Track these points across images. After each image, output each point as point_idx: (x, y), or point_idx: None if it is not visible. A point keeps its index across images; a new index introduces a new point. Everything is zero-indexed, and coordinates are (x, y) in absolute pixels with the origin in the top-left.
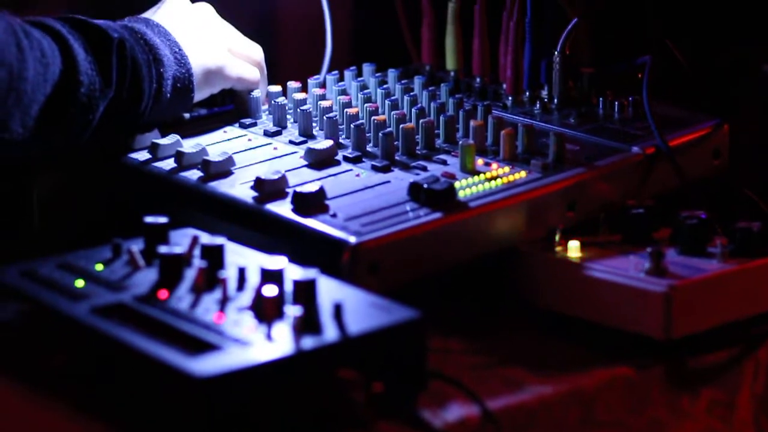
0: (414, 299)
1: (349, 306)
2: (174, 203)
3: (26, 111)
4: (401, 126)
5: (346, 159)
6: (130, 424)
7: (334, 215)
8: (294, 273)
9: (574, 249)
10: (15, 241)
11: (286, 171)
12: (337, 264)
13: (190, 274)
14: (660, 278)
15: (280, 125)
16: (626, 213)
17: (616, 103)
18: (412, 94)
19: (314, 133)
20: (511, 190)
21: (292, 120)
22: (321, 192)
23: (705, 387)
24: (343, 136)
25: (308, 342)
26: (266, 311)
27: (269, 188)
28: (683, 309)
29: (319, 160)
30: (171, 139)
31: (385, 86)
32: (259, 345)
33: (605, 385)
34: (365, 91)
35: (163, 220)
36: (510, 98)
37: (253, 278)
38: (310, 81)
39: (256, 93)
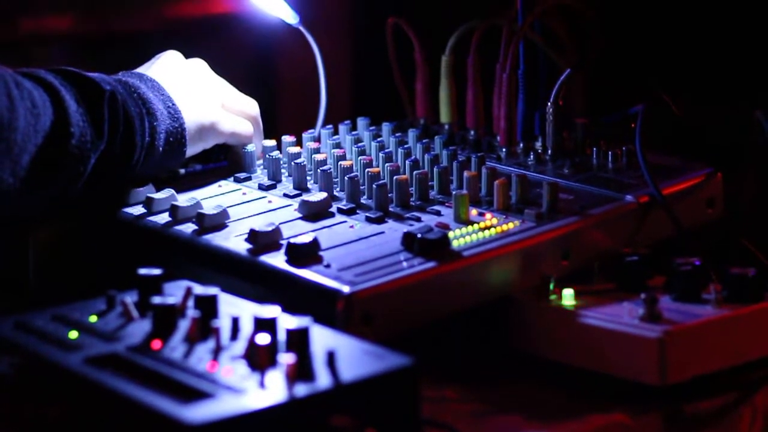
0: (408, 348)
1: (342, 353)
2: (169, 257)
3: (17, 161)
4: (395, 178)
5: (340, 211)
6: None
7: (327, 266)
8: (287, 322)
9: (568, 297)
10: (10, 294)
11: (280, 223)
12: (331, 314)
13: (183, 325)
14: (654, 324)
15: (275, 179)
16: (620, 261)
17: (610, 152)
18: (406, 146)
19: (309, 186)
20: (505, 239)
21: (286, 174)
22: (315, 243)
23: None
24: (338, 189)
25: (301, 389)
26: (259, 359)
27: (263, 240)
28: (678, 354)
29: (313, 213)
30: (166, 193)
31: (379, 139)
32: (252, 393)
33: None
34: (359, 144)
35: (156, 271)
36: (504, 150)
37: (247, 327)
38: (305, 135)
39: (250, 147)
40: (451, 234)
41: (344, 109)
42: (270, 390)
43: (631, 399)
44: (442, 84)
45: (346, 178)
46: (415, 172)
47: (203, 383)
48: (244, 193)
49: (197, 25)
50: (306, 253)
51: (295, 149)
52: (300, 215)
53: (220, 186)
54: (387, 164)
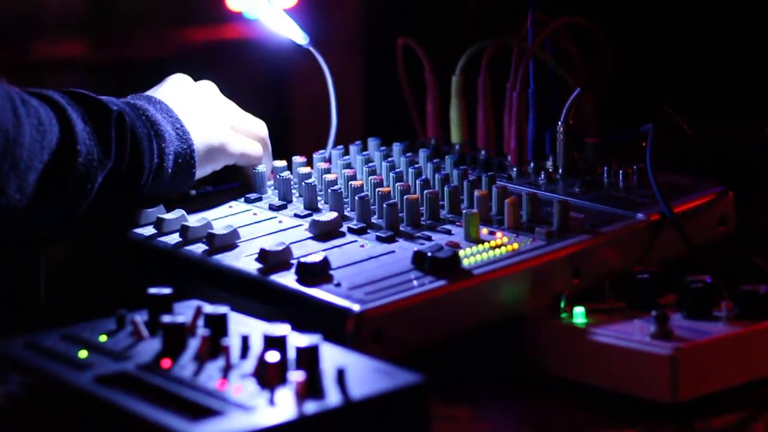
0: (420, 367)
1: (351, 371)
2: (179, 277)
3: (23, 177)
4: (405, 197)
5: (350, 230)
6: None
7: (338, 284)
8: (297, 340)
9: (579, 315)
10: (21, 314)
11: (290, 243)
12: (341, 332)
13: (193, 344)
14: (666, 341)
15: (285, 199)
16: (632, 279)
17: (621, 171)
18: (416, 166)
19: (319, 206)
20: (516, 258)
21: (297, 194)
22: (325, 262)
23: None
24: (348, 209)
25: (311, 407)
26: (269, 377)
27: (274, 259)
28: (689, 372)
29: (323, 232)
30: (176, 214)
31: (389, 159)
32: (262, 410)
33: None
34: (370, 164)
35: (167, 291)
36: (515, 169)
37: (257, 346)
38: (315, 155)
39: (261, 168)
40: (461, 252)
41: (356, 130)
42: (279, 407)
43: (643, 416)
44: (452, 104)
45: (356, 197)
46: (425, 192)
47: (213, 401)
48: (254, 214)
49: (210, 51)
50: (316, 273)
51: (306, 169)
52: (310, 235)
53: (230, 206)
54: (397, 184)
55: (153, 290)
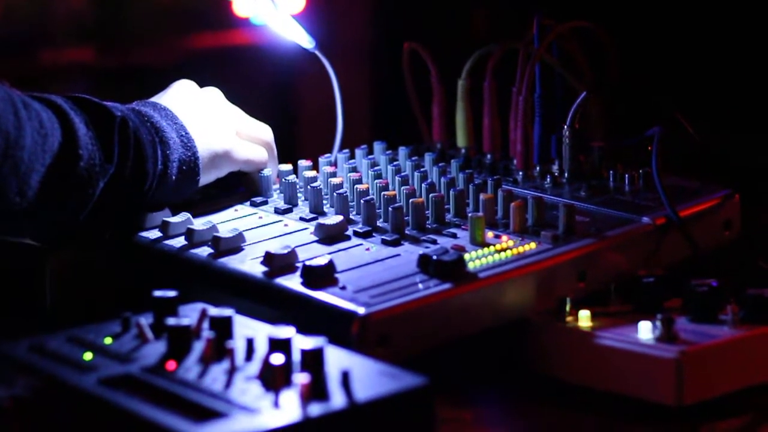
0: (425, 370)
1: (356, 373)
2: (185, 280)
3: (24, 180)
4: (411, 200)
5: (356, 234)
6: None
7: (343, 287)
8: (301, 342)
9: (584, 318)
10: (27, 317)
11: (296, 246)
12: (346, 336)
13: (198, 347)
14: (671, 344)
15: (291, 203)
16: (637, 282)
17: (627, 175)
18: (422, 169)
19: (325, 210)
20: (521, 261)
21: (302, 198)
22: (330, 265)
23: None
24: (354, 212)
25: (315, 409)
26: (274, 379)
27: (279, 262)
28: (695, 375)
29: (329, 236)
30: (182, 217)
31: (395, 163)
32: (267, 412)
33: None
34: (376, 168)
35: (172, 293)
36: (520, 173)
37: (261, 349)
38: (321, 159)
39: (266, 172)
40: (466, 256)
41: (362, 134)
42: (284, 409)
43: (648, 420)
44: (458, 108)
45: (362, 201)
46: (431, 195)
47: (217, 403)
48: (260, 217)
49: (217, 57)
50: (322, 276)
51: (312, 173)
52: (316, 238)
53: (236, 210)
54: (403, 187)
55: (158, 293)
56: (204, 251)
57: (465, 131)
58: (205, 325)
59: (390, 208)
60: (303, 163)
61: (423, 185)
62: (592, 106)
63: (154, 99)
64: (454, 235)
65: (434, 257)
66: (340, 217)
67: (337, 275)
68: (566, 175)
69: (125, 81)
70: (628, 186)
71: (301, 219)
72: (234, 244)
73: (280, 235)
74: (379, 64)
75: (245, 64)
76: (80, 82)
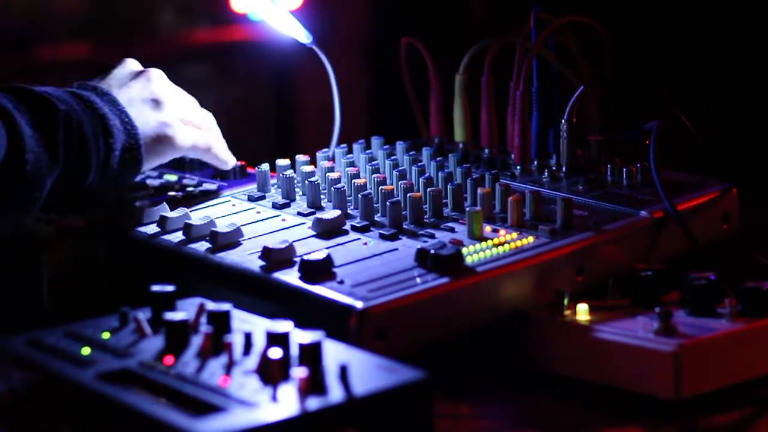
0: (423, 364)
1: (354, 367)
2: (183, 275)
3: None
4: (409, 195)
5: (354, 228)
6: None
7: (341, 282)
8: (299, 336)
9: (582, 312)
10: (24, 312)
11: (293, 241)
12: (344, 330)
13: (196, 341)
14: (669, 338)
15: (289, 198)
16: (635, 276)
17: (625, 169)
18: (420, 164)
19: (322, 204)
20: (519, 255)
21: (300, 192)
22: (328, 259)
23: None
24: (351, 207)
25: (313, 403)
26: (272, 373)
27: (277, 257)
28: (693, 368)
29: (327, 230)
30: (180, 212)
31: (393, 158)
32: (265, 406)
33: None
34: (373, 162)
35: (170, 288)
36: (518, 167)
37: (259, 343)
38: (319, 154)
39: (264, 167)
40: (464, 250)
41: (360, 129)
42: (282, 403)
43: (646, 413)
44: (456, 102)
45: (359, 195)
46: (428, 190)
47: (215, 397)
48: (258, 212)
49: (215, 52)
50: (319, 270)
51: (309, 168)
52: (314, 233)
53: (233, 205)
54: (401, 182)
55: (156, 288)
56: (202, 246)
57: (462, 126)
58: (203, 319)
59: (388, 203)
60: (301, 157)
61: (421, 180)
62: (589, 101)
63: (96, 81)
64: (451, 230)
65: (432, 251)
66: (338, 212)
67: (334, 270)
68: (564, 169)
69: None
70: (625, 180)
71: (299, 213)
72: (232, 239)
73: (278, 230)
74: (377, 59)
75: (243, 60)
76: (77, 77)
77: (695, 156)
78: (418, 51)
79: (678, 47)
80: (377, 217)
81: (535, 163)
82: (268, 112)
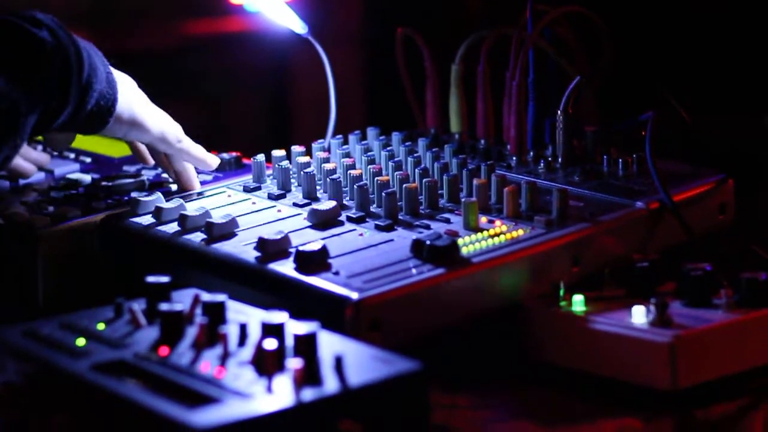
0: (418, 354)
1: (349, 358)
2: (178, 266)
3: None
4: (404, 186)
5: (349, 219)
6: None
7: (336, 273)
8: (295, 327)
9: (578, 303)
10: (19, 303)
11: (289, 232)
12: (340, 321)
13: (191, 332)
14: (665, 329)
15: (284, 188)
16: (631, 267)
17: (621, 160)
18: (415, 155)
19: (318, 195)
20: (515, 246)
21: (296, 183)
22: (323, 250)
23: None
24: (347, 198)
25: (309, 394)
26: (267, 364)
27: (272, 248)
28: (689, 359)
29: (322, 221)
30: (175, 203)
31: (388, 149)
32: (260, 397)
33: None
34: (369, 153)
35: (164, 279)
36: (514, 158)
37: (254, 334)
38: (314, 145)
39: (259, 157)
40: (460, 241)
41: (356, 120)
42: (277, 395)
43: (642, 404)
44: (452, 93)
45: (355, 186)
46: (424, 180)
47: (210, 388)
48: (253, 203)
49: (211, 43)
50: (315, 261)
51: (305, 159)
52: (309, 224)
53: (229, 196)
54: (396, 173)
55: (151, 278)
56: (197, 237)
57: (458, 116)
58: (198, 310)
59: (383, 194)
60: (296, 148)
61: (416, 170)
62: (585, 91)
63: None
64: (447, 220)
65: (428, 242)
66: (334, 203)
67: (330, 260)
68: (560, 159)
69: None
70: (621, 170)
71: (295, 204)
72: (227, 230)
73: (274, 221)
74: (373, 50)
75: (239, 51)
76: None
77: (691, 146)
78: (414, 41)
79: (674, 37)
80: (373, 208)
81: (531, 153)
82: (264, 103)
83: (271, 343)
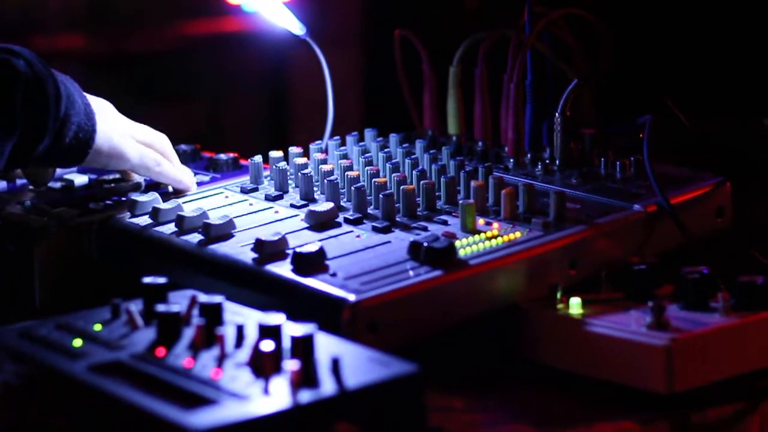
0: (415, 357)
1: (346, 360)
2: (175, 266)
3: None
4: (402, 188)
5: (346, 221)
6: None
7: (333, 274)
8: (292, 329)
9: (575, 306)
10: (16, 305)
11: (286, 233)
12: (337, 322)
13: (188, 333)
14: (662, 332)
15: (282, 190)
16: (628, 270)
17: (618, 162)
18: (413, 157)
19: (315, 197)
20: (512, 249)
21: (293, 185)
22: (321, 252)
23: None
24: (344, 199)
25: (305, 396)
26: (264, 366)
27: (269, 249)
28: (685, 362)
29: (319, 223)
30: (172, 203)
31: (386, 150)
32: (256, 399)
33: None
34: (366, 155)
35: (162, 280)
36: (512, 160)
37: (251, 335)
38: (312, 146)
39: (256, 158)
40: (457, 243)
41: (353, 121)
42: (274, 396)
43: (639, 407)
44: (450, 95)
45: (352, 188)
46: (422, 182)
47: (207, 390)
48: (250, 204)
49: (208, 44)
50: (312, 262)
51: (302, 160)
52: (306, 225)
53: (226, 197)
54: (394, 174)
55: (148, 279)
56: (194, 238)
57: (456, 118)
58: (195, 311)
59: (381, 195)
60: (294, 150)
61: (414, 172)
62: (583, 94)
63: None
64: (445, 222)
65: (425, 244)
66: (331, 204)
67: (327, 262)
68: (557, 162)
69: (117, 68)
70: (619, 173)
71: (292, 206)
72: (224, 231)
73: (271, 222)
74: (370, 51)
75: (236, 51)
76: (72, 68)
77: (689, 149)
78: (411, 43)
79: (672, 40)
80: (370, 210)
81: (529, 156)
82: (262, 104)
83: (268, 345)
